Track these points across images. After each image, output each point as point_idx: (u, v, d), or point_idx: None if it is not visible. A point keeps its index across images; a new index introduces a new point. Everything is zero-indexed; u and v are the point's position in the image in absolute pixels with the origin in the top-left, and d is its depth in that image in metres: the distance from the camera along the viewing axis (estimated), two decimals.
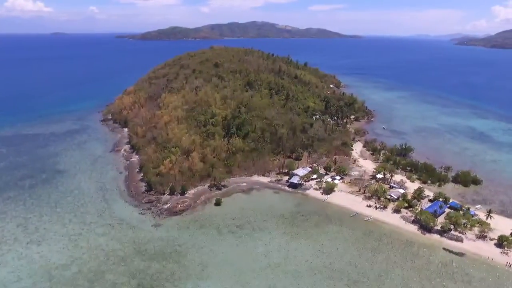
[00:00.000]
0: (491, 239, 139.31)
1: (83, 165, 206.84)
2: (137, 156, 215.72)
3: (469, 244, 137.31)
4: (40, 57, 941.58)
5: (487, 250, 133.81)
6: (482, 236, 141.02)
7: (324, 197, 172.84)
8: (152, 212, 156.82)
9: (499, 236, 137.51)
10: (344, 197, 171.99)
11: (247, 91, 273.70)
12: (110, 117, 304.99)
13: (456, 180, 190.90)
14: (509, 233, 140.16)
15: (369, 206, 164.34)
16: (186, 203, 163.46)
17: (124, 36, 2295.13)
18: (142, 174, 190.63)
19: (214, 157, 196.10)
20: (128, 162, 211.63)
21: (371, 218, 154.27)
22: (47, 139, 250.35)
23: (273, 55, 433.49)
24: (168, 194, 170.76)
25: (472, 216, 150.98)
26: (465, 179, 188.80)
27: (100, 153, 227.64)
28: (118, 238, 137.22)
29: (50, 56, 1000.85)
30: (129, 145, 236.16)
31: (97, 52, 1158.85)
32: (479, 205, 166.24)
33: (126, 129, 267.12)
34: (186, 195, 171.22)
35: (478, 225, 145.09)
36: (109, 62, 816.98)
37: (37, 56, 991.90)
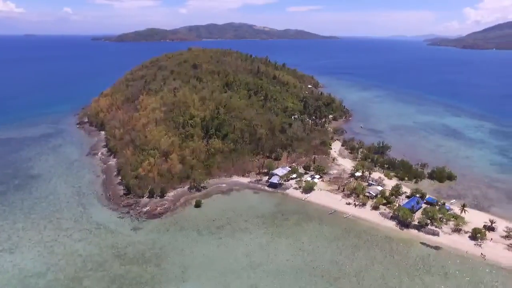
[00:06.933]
0: (466, 232, 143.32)
1: (58, 169, 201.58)
2: (114, 159, 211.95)
3: (445, 237, 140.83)
4: (12, 59, 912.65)
5: (462, 243, 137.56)
6: (457, 230, 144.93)
7: (304, 196, 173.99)
8: (131, 215, 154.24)
9: (472, 229, 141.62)
10: (324, 196, 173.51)
11: (225, 92, 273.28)
12: (86, 120, 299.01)
13: (431, 176, 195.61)
14: (482, 226, 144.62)
15: (348, 203, 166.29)
16: (165, 206, 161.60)
17: (100, 38, 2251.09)
18: (120, 177, 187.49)
19: (193, 159, 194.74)
20: (105, 165, 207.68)
21: (349, 215, 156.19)
22: (20, 143, 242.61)
23: (251, 56, 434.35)
24: (147, 197, 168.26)
25: (448, 211, 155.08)
26: (440, 175, 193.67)
27: (76, 157, 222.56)
28: (96, 243, 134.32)
29: (23, 57, 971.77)
30: (106, 148, 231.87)
31: (72, 54, 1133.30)
32: (454, 200, 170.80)
33: (103, 132, 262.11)
34: (165, 197, 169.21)
35: (453, 219, 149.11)
36: (84, 64, 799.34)
37: (9, 58, 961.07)
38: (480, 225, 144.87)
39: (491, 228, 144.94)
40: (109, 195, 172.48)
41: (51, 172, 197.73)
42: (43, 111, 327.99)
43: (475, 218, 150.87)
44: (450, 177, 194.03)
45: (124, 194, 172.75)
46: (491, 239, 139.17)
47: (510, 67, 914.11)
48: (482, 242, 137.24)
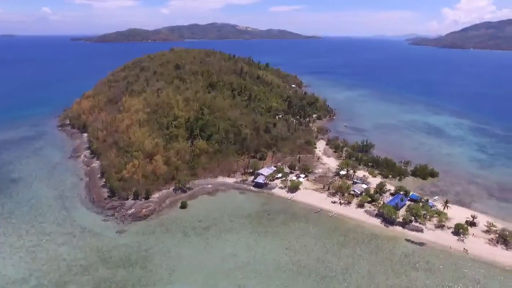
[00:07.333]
0: (449, 228, 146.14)
1: (40, 172, 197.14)
2: (98, 162, 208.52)
3: (429, 234, 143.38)
4: None
5: (445, 238, 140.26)
6: (440, 226, 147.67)
7: (290, 195, 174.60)
8: (116, 218, 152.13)
9: (455, 225, 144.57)
10: (309, 195, 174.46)
11: (209, 92, 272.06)
12: (68, 122, 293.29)
13: (415, 173, 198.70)
14: (464, 221, 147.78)
15: (334, 202, 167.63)
16: (151, 207, 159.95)
17: (80, 39, 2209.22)
18: (104, 180, 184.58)
19: (178, 160, 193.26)
20: (88, 168, 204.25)
21: (335, 214, 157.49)
22: None
23: (234, 56, 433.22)
24: (132, 199, 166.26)
25: (431, 207, 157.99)
26: (423, 172, 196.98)
27: (58, 159, 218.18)
28: (80, 247, 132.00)
29: (1, 59, 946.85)
30: (89, 151, 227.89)
31: (52, 55, 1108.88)
32: (437, 197, 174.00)
33: (85, 134, 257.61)
34: (150, 199, 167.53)
35: (436, 215, 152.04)
36: (65, 66, 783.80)
37: None
38: (463, 221, 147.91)
39: (472, 224, 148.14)
40: (93, 198, 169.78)
41: (33, 175, 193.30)
42: (23, 113, 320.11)
43: (457, 214, 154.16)
44: (433, 174, 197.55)
45: (108, 196, 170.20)
46: (473, 234, 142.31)
47: (486, 67, 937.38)
48: (465, 237, 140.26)
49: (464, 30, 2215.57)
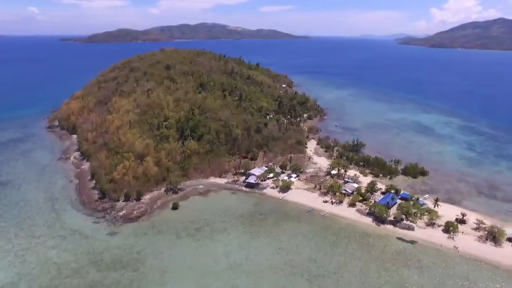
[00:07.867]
0: (439, 226, 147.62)
1: (28, 175, 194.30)
2: (88, 163, 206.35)
3: (420, 232, 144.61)
4: None
5: (436, 236, 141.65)
6: (431, 224, 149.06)
7: (281, 195, 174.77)
8: (107, 220, 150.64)
9: (445, 223, 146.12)
10: (301, 194, 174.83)
11: (200, 92, 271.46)
12: (56, 123, 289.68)
13: (405, 172, 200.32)
14: (454, 219, 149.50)
15: (325, 201, 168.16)
16: (142, 209, 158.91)
17: (69, 39, 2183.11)
18: (94, 182, 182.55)
19: (169, 161, 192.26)
20: (78, 169, 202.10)
21: (327, 213, 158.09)
22: None
23: (224, 56, 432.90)
24: (123, 201, 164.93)
25: (421, 206, 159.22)
26: (413, 171, 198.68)
27: (48, 161, 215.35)
28: (71, 250, 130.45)
29: None
30: (78, 152, 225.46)
31: (40, 56, 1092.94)
32: (427, 195, 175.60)
33: (74, 136, 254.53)
34: (142, 200, 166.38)
35: (427, 213, 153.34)
36: (53, 66, 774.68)
37: None
38: (453, 219, 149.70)
39: (462, 221, 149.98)
40: (83, 200, 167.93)
41: (21, 178, 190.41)
42: (11, 114, 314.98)
43: (447, 212, 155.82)
44: (423, 173, 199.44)
45: (99, 198, 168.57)
46: (463, 231, 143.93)
47: (474, 66, 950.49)
48: (455, 234, 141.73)
49: (452, 30, 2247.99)
